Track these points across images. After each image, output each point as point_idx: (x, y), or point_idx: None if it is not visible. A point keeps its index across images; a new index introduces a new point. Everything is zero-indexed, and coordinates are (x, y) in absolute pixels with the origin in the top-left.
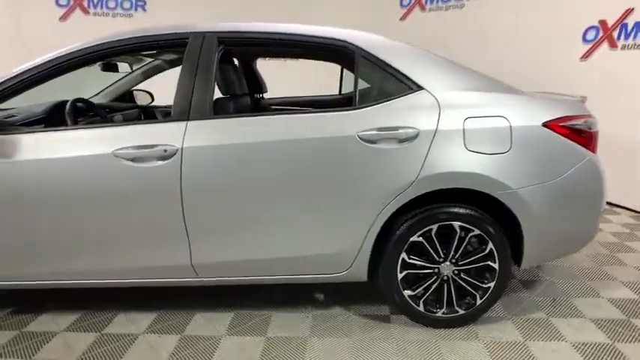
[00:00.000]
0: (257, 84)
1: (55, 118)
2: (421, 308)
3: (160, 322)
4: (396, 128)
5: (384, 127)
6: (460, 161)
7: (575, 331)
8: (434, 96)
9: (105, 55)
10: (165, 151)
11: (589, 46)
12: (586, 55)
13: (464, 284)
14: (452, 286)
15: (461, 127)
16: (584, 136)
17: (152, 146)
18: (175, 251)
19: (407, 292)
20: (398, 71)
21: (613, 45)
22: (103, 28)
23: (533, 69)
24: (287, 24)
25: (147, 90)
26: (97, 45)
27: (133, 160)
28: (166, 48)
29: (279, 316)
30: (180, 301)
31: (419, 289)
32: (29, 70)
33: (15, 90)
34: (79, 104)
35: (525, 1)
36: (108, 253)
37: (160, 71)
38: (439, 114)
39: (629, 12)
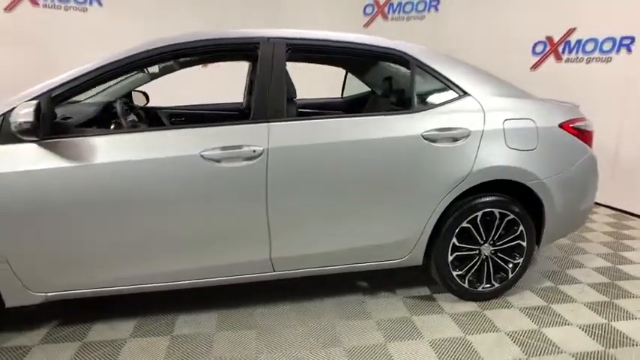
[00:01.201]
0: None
1: (103, 118)
2: (466, 285)
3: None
4: (452, 129)
5: (443, 127)
6: (503, 157)
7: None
8: (478, 101)
9: (176, 56)
10: (254, 151)
11: (538, 58)
12: (535, 66)
13: (499, 261)
14: (490, 264)
15: (501, 128)
16: (586, 135)
17: (239, 147)
18: (256, 247)
19: (455, 273)
20: (447, 79)
21: (558, 58)
22: (53, 22)
23: None
24: (347, 34)
25: (142, 91)
26: (169, 45)
27: (219, 161)
28: (234, 52)
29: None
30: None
31: (464, 269)
32: (99, 68)
33: (82, 89)
34: (126, 105)
35: (480, 16)
36: (192, 253)
37: (169, 72)
38: (484, 117)
39: (572, 31)
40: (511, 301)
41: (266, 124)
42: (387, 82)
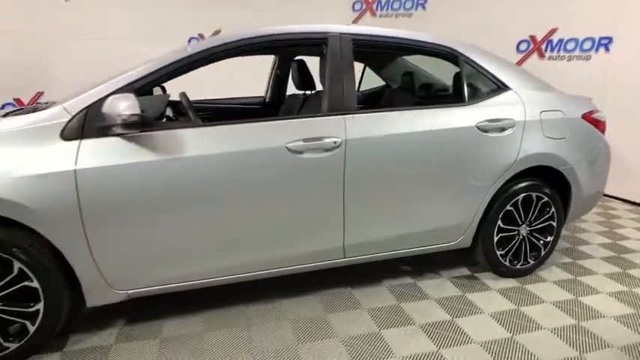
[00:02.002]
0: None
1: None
2: (507, 263)
3: None
4: (501, 120)
5: (493, 118)
6: (542, 145)
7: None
8: (518, 94)
9: (250, 50)
10: (334, 142)
11: (522, 55)
12: (519, 63)
13: (534, 240)
14: (527, 243)
15: (539, 119)
16: (600, 125)
17: (320, 138)
18: (331, 234)
19: (499, 252)
20: (491, 74)
21: (541, 55)
22: None
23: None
24: (401, 30)
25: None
26: (249, 38)
27: (301, 152)
28: (303, 46)
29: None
30: None
31: (506, 249)
32: (178, 60)
33: (162, 81)
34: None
35: (466, 16)
36: (274, 243)
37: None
38: (524, 108)
39: (553, 31)
40: (543, 275)
41: (342, 116)
42: (407, 76)
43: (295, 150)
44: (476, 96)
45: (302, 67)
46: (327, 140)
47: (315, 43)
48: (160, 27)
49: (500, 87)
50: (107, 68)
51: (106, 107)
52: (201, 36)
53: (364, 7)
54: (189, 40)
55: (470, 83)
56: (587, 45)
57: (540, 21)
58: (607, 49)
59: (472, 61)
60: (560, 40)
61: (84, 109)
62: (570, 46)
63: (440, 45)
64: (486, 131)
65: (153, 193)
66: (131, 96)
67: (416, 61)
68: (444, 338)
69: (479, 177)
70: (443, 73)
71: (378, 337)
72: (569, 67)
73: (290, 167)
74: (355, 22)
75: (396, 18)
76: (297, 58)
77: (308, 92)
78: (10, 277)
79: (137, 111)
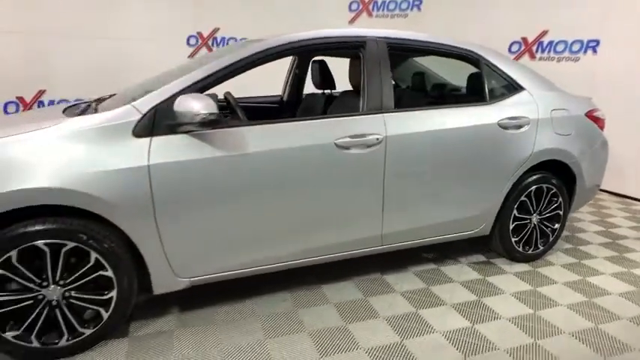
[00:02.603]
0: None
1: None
2: (520, 249)
3: None
4: (518, 118)
5: (512, 116)
6: (553, 141)
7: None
8: (531, 94)
9: (298, 51)
10: (377, 139)
11: (514, 56)
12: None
13: (544, 228)
14: (537, 231)
15: (550, 117)
16: (600, 122)
17: (364, 135)
18: (371, 224)
19: (513, 239)
20: (508, 75)
21: (532, 56)
22: None
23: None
24: (428, 34)
25: None
26: (295, 41)
27: (348, 148)
28: (342, 49)
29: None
30: None
31: (519, 236)
32: (236, 62)
33: (220, 81)
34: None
35: (460, 17)
36: (322, 232)
37: None
38: (537, 107)
39: (544, 33)
40: (551, 260)
41: (381, 114)
42: (417, 76)
43: (342, 146)
44: (495, 96)
45: (323, 67)
46: (370, 137)
47: (354, 46)
48: (160, 26)
49: (515, 87)
50: (108, 67)
51: (180, 106)
52: (200, 35)
53: (361, 7)
54: (188, 39)
55: (489, 84)
56: (576, 47)
57: (531, 23)
58: (594, 51)
59: (491, 63)
60: (551, 42)
61: (153, 107)
62: (560, 47)
63: (463, 48)
64: (506, 128)
65: (217, 187)
66: (203, 96)
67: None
68: (475, 315)
69: (500, 170)
70: (445, 73)
71: (417, 316)
72: (559, 68)
73: (338, 162)
74: (352, 22)
75: (392, 18)
76: (318, 58)
77: (327, 91)
78: (87, 266)
79: (215, 110)
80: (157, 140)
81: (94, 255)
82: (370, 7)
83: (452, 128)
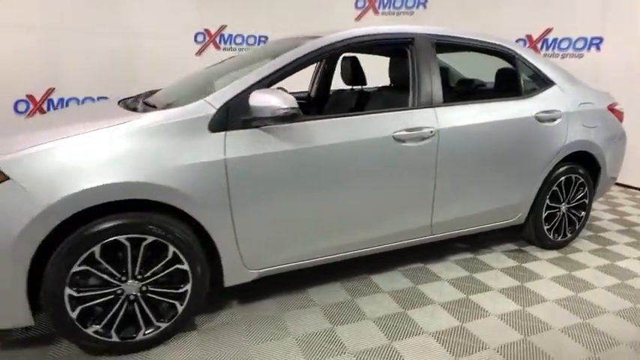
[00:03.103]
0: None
1: None
2: (551, 236)
3: None
4: (552, 111)
5: (546, 110)
6: (583, 133)
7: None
8: (561, 89)
9: (353, 48)
10: (431, 132)
11: None
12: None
13: (572, 216)
14: (566, 219)
15: (578, 110)
16: (619, 115)
17: (419, 128)
18: (422, 214)
19: (545, 227)
20: (540, 71)
21: (537, 53)
22: None
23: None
24: (468, 30)
25: None
26: (353, 37)
27: (404, 141)
28: (392, 45)
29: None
30: None
31: (550, 224)
32: (297, 59)
33: (283, 76)
34: None
35: (465, 15)
36: (379, 222)
37: None
38: (567, 101)
39: (549, 30)
40: (578, 247)
41: (433, 108)
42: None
43: (399, 139)
44: (529, 90)
45: (355, 63)
46: (424, 130)
47: (403, 43)
48: (168, 23)
49: (547, 82)
50: (116, 64)
51: (258, 101)
52: (207, 31)
53: (367, 4)
54: (196, 36)
55: (524, 79)
56: (580, 44)
57: (536, 21)
58: (598, 49)
59: (525, 59)
60: (555, 40)
61: (226, 102)
62: (564, 44)
63: (500, 45)
64: (542, 121)
65: (288, 179)
66: (279, 91)
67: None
68: (523, 299)
69: (536, 161)
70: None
71: (469, 300)
72: (563, 65)
73: (395, 154)
74: (358, 19)
75: (398, 16)
76: (349, 55)
77: (357, 87)
78: (165, 260)
79: (296, 105)
80: (231, 134)
81: (171, 249)
82: (376, 4)
83: (495, 121)
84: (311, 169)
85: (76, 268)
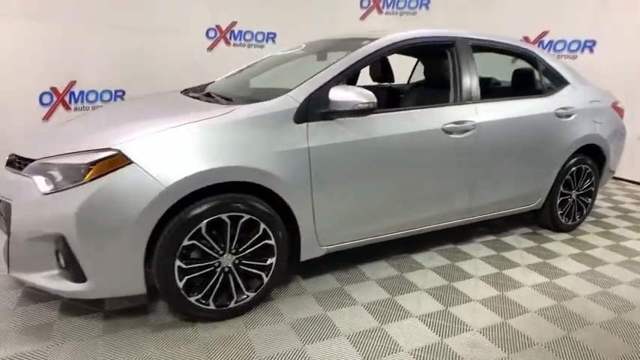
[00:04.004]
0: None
1: None
2: (563, 220)
3: None
4: (568, 108)
5: (563, 107)
6: (592, 127)
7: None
8: (574, 87)
9: (406, 49)
10: (473, 125)
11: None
12: (514, 61)
13: (580, 202)
14: (575, 205)
15: (589, 107)
16: (621, 112)
17: (463, 122)
18: (463, 198)
19: (559, 212)
20: (557, 71)
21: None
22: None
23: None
24: (496, 34)
25: None
26: (410, 39)
27: (451, 132)
28: (436, 47)
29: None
30: None
31: (563, 209)
32: (364, 57)
33: (355, 70)
34: None
35: (466, 17)
36: (430, 204)
37: None
38: (579, 99)
39: (545, 33)
40: (585, 230)
41: (473, 104)
42: None
43: (447, 131)
44: (549, 88)
45: (385, 62)
46: (467, 123)
47: (446, 45)
48: (180, 18)
49: (562, 82)
50: (130, 57)
51: (338, 96)
52: (218, 27)
53: (372, 4)
54: (207, 31)
55: (544, 78)
56: (574, 46)
57: (533, 24)
58: (591, 51)
59: (544, 60)
60: (551, 41)
61: (307, 97)
62: (559, 46)
63: (523, 47)
64: (560, 117)
65: (359, 165)
66: (356, 87)
67: None
68: (549, 273)
69: (555, 152)
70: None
71: (503, 274)
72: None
73: (443, 144)
74: (363, 18)
75: (401, 16)
76: None
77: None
78: (257, 236)
79: (375, 100)
80: (312, 125)
81: (262, 226)
82: (380, 4)
83: (523, 117)
84: (377, 156)
85: (185, 242)
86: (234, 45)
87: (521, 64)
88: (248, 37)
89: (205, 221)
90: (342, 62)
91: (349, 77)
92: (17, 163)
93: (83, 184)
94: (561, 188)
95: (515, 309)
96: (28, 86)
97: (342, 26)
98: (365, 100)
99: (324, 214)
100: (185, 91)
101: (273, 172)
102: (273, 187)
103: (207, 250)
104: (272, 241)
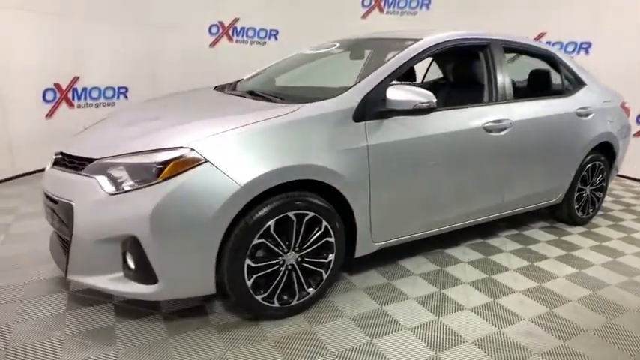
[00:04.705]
0: (413, 74)
1: None
2: (579, 214)
3: None
4: (586, 107)
5: (583, 106)
6: (607, 126)
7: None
8: (590, 88)
9: (446, 50)
10: (510, 124)
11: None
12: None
13: (594, 198)
14: (589, 199)
15: (603, 107)
16: (628, 111)
17: (501, 121)
18: (500, 193)
19: (575, 206)
20: (575, 73)
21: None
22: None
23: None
24: (522, 37)
25: None
26: (454, 39)
27: (490, 131)
28: (473, 47)
29: None
30: None
31: (579, 204)
32: (414, 57)
33: (405, 69)
34: None
35: (464, 18)
36: (472, 200)
37: None
38: (595, 99)
39: (542, 34)
40: (597, 223)
41: (507, 103)
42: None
43: (488, 129)
44: (568, 89)
45: None
46: (505, 122)
47: (481, 47)
48: (183, 13)
49: (580, 83)
50: (134, 53)
51: (396, 95)
52: (221, 24)
53: (373, 3)
54: (210, 28)
55: (564, 79)
56: (570, 48)
57: (532, 25)
58: (587, 53)
59: (563, 62)
60: (548, 43)
61: (364, 96)
62: (556, 48)
63: (544, 49)
64: (580, 116)
65: (413, 162)
66: (413, 87)
67: None
68: (576, 264)
69: (576, 150)
70: None
71: (535, 267)
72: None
73: (484, 142)
74: (364, 17)
75: (402, 15)
76: None
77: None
78: (318, 233)
79: (434, 99)
80: (369, 124)
81: (324, 223)
82: (382, 3)
83: (549, 116)
84: (428, 153)
85: (255, 241)
86: (237, 42)
87: (541, 64)
88: (250, 33)
89: (274, 219)
90: (393, 62)
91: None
92: (69, 162)
93: (156, 183)
94: (578, 184)
95: (557, 299)
96: (31, 82)
97: (344, 25)
98: (425, 100)
99: (379, 210)
100: (220, 88)
101: (338, 171)
102: (336, 185)
103: (274, 248)
104: (332, 238)
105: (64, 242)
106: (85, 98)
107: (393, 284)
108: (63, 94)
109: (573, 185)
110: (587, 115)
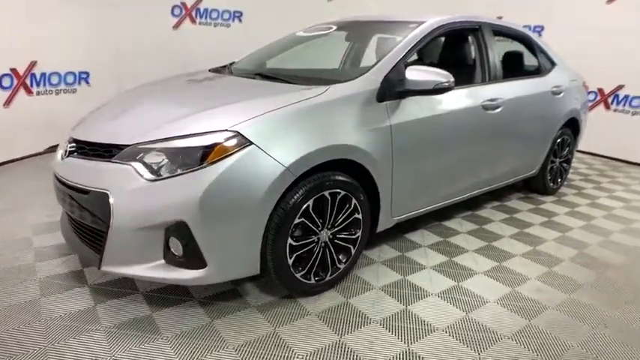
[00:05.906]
0: None
1: None
2: (551, 185)
3: None
4: (559, 86)
5: (556, 85)
6: (574, 103)
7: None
8: (560, 68)
9: (448, 32)
10: (503, 102)
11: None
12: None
13: (561, 168)
14: (559, 170)
15: (571, 86)
16: (586, 89)
17: (496, 99)
18: (494, 167)
19: (548, 177)
20: (547, 54)
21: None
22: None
23: None
24: (503, 20)
25: None
26: (453, 22)
27: (487, 109)
28: (463, 30)
29: None
30: None
31: (551, 175)
32: (423, 37)
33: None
34: None
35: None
36: (475, 173)
37: None
38: (565, 78)
39: (499, 18)
40: (564, 192)
41: (499, 83)
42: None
43: (485, 107)
44: (543, 69)
45: None
46: (499, 100)
47: (473, 29)
48: None
49: (552, 63)
50: (93, 36)
51: (415, 76)
52: (184, 5)
53: None
54: (172, 9)
55: (539, 60)
56: None
57: (488, 9)
58: (540, 35)
59: (538, 44)
60: None
61: (385, 76)
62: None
63: (521, 32)
64: (554, 94)
65: (429, 139)
66: (431, 67)
67: None
68: (558, 228)
69: (552, 125)
70: None
71: (526, 234)
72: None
73: (482, 119)
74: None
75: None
76: (385, 35)
77: None
78: (349, 211)
79: (452, 79)
80: (391, 104)
81: (354, 201)
82: None
83: (531, 94)
84: (442, 130)
85: (296, 220)
86: (200, 23)
87: (518, 46)
88: (214, 15)
89: (313, 199)
90: (405, 43)
91: None
92: (91, 150)
93: (203, 167)
94: (551, 156)
95: (552, 260)
96: None
97: (309, 7)
98: (444, 80)
99: (400, 186)
100: (215, 70)
101: (367, 149)
102: (365, 163)
103: (311, 226)
104: (360, 215)
105: (86, 233)
106: (45, 84)
107: (407, 256)
108: (20, 81)
109: (547, 158)
110: (559, 93)
